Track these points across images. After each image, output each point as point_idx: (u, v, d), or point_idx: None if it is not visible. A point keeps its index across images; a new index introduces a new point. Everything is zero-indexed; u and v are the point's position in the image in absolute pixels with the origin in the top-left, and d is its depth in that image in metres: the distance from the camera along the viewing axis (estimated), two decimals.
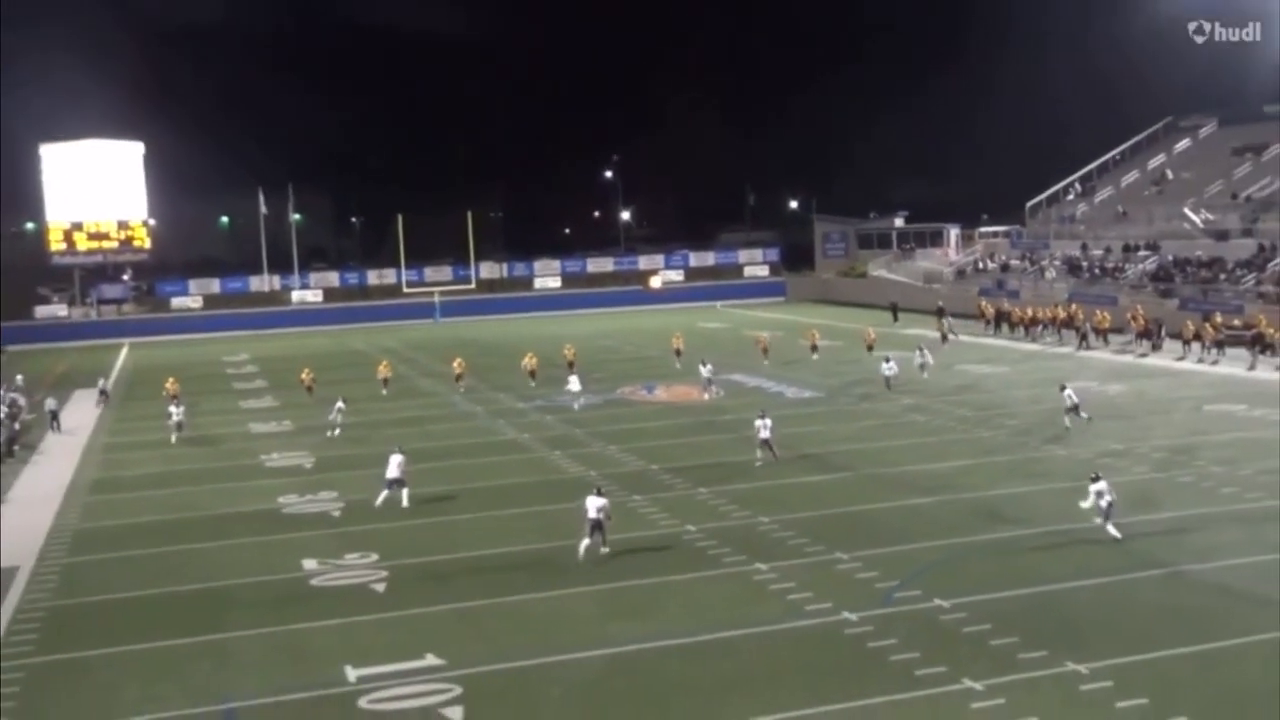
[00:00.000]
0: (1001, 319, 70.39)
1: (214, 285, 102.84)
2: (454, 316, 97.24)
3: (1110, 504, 25.83)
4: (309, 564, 26.43)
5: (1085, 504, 26.37)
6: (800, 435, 40.13)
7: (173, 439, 42.85)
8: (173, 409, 44.84)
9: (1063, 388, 40.16)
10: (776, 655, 19.94)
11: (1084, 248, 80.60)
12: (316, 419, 46.35)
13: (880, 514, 29.10)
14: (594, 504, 25.68)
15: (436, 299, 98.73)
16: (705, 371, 48.57)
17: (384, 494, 30.93)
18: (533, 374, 53.86)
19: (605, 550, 25.77)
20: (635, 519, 29.43)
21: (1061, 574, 23.71)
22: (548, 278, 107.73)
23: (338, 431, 42.75)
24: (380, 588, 24.53)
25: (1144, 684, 18.05)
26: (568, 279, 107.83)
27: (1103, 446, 36.02)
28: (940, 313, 73.97)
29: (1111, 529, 25.78)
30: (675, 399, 48.47)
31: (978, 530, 27.31)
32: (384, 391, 51.78)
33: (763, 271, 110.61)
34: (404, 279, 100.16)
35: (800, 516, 28.87)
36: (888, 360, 45.58)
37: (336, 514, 31.28)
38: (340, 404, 44.15)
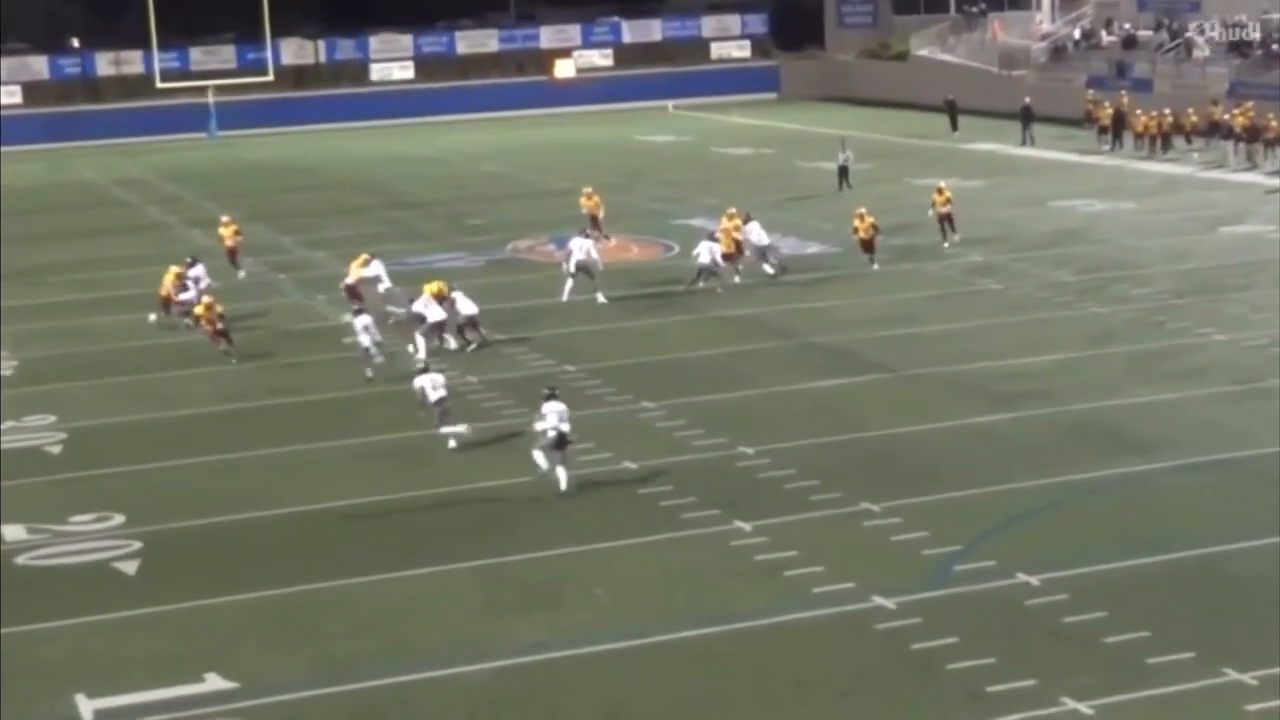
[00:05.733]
0: (1122, 126, 70.67)
1: None
2: (239, 129, 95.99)
3: (561, 436, 26.97)
4: None
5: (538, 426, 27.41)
6: (805, 314, 40.31)
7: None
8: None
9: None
10: (767, 666, 20.13)
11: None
12: (21, 296, 45.91)
13: (932, 439, 29.33)
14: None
15: (211, 100, 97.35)
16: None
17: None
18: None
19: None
20: None
21: (1217, 530, 24.05)
22: (391, 64, 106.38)
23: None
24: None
25: None
26: (425, 66, 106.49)
27: None
28: (1026, 116, 74.16)
29: (560, 476, 26.99)
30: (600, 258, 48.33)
31: (1086, 463, 27.60)
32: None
33: (741, 52, 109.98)
34: (157, 68, 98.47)
35: (804, 445, 29.03)
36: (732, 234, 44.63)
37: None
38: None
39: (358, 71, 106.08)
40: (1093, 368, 34.08)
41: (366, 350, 35.17)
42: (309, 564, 24.58)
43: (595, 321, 40.47)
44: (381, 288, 41.52)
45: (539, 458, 27.45)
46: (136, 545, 25.69)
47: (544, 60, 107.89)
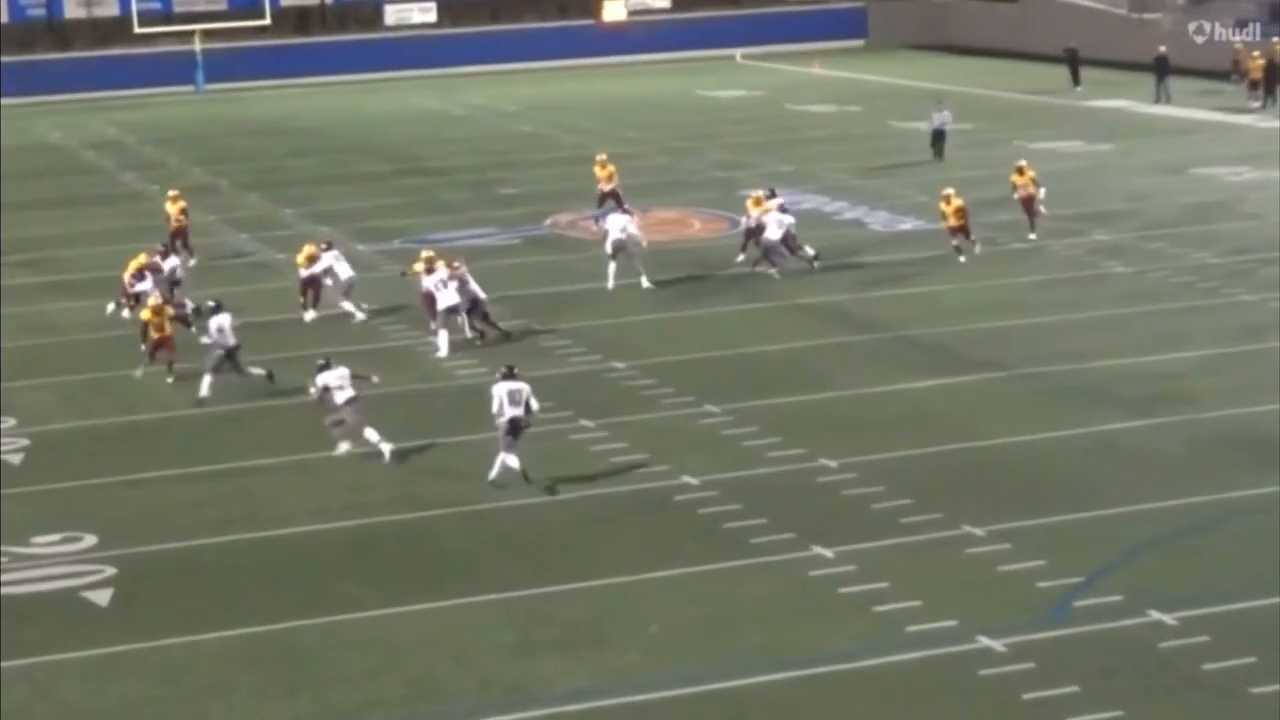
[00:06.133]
0: (1277, 79, 70.20)
1: None
2: (231, 82, 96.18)
3: (515, 423, 28.07)
4: None
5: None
6: (897, 301, 40.43)
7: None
8: None
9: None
10: (852, 718, 20.16)
11: None
12: None
13: (1048, 450, 29.31)
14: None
15: (198, 48, 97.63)
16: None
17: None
18: None
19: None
20: (585, 461, 29.78)
21: None
22: (410, 5, 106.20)
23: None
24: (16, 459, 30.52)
25: None
26: (449, 7, 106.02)
27: None
28: (1161, 68, 73.77)
29: (498, 463, 28.36)
30: (654, 235, 48.33)
31: (1232, 480, 27.48)
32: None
33: None
34: (135, 9, 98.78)
35: (896, 457, 29.11)
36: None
37: None
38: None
39: (370, 14, 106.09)
40: (1241, 367, 33.98)
41: (219, 359, 34.43)
42: (310, 595, 24.58)
43: (649, 309, 40.54)
44: (344, 276, 40.61)
45: (498, 463, 28.45)
46: (110, 571, 25.70)
47: (589, 0, 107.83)
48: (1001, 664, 21.20)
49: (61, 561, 26.29)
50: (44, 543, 27.01)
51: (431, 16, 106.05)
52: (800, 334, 37.92)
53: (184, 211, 47.55)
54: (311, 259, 40.65)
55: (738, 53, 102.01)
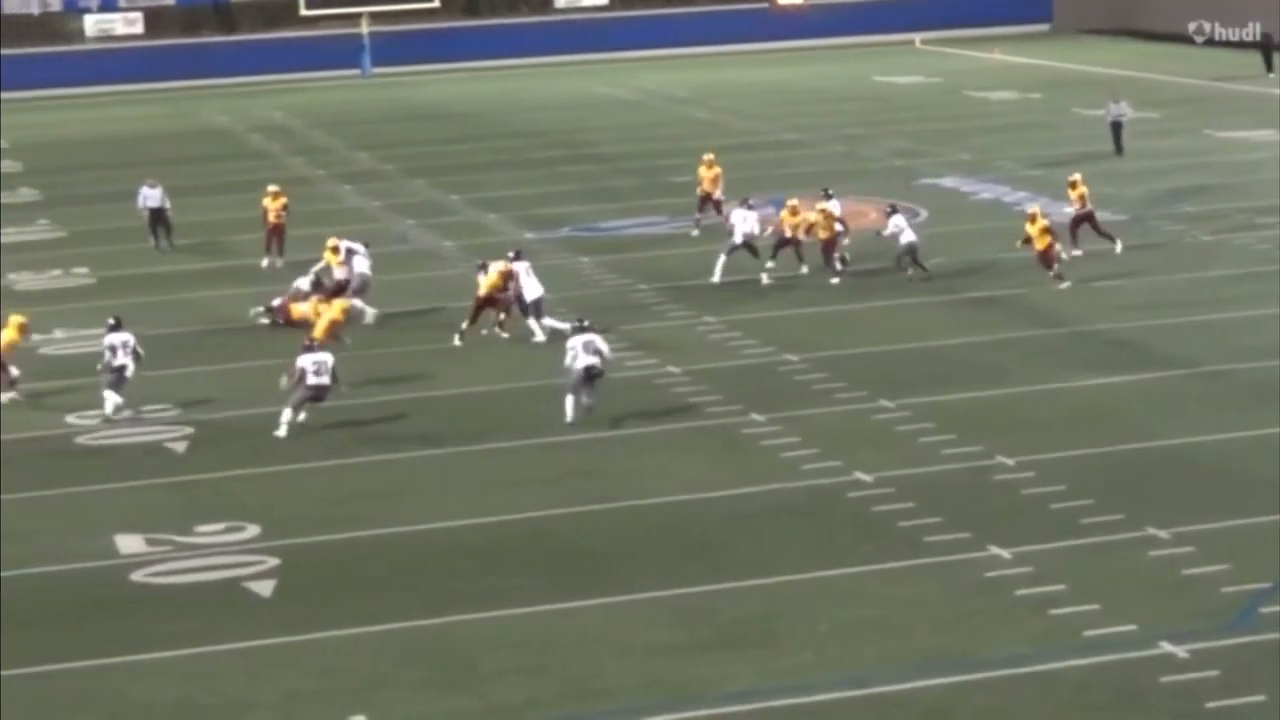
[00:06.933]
0: None
1: None
2: (398, 65, 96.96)
3: (589, 371, 30.58)
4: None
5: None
6: (1078, 295, 40.26)
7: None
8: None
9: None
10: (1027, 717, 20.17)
11: None
12: (129, 264, 46.84)
13: (1236, 451, 28.97)
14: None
15: (365, 31, 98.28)
16: None
17: None
18: None
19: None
20: (756, 456, 29.88)
21: None
22: None
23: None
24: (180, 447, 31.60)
25: None
26: None
27: None
28: None
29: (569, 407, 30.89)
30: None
31: None
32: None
33: None
34: None
35: (1076, 456, 28.95)
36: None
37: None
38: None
39: None
40: None
41: (115, 378, 33.56)
42: (469, 590, 24.74)
43: (821, 302, 40.53)
44: (356, 271, 40.28)
45: (569, 405, 31.11)
46: (273, 562, 26.05)
47: None
48: (1184, 671, 20.98)
49: (225, 551, 26.69)
50: (207, 532, 27.42)
51: None
52: (977, 328, 37.84)
53: (285, 208, 46.71)
54: (337, 251, 40.51)
55: (917, 37, 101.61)
